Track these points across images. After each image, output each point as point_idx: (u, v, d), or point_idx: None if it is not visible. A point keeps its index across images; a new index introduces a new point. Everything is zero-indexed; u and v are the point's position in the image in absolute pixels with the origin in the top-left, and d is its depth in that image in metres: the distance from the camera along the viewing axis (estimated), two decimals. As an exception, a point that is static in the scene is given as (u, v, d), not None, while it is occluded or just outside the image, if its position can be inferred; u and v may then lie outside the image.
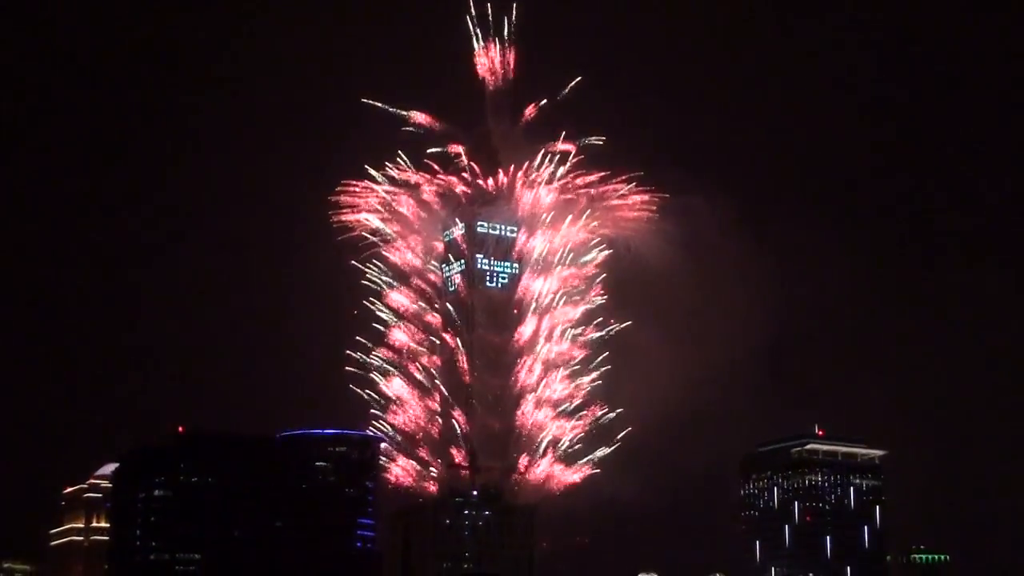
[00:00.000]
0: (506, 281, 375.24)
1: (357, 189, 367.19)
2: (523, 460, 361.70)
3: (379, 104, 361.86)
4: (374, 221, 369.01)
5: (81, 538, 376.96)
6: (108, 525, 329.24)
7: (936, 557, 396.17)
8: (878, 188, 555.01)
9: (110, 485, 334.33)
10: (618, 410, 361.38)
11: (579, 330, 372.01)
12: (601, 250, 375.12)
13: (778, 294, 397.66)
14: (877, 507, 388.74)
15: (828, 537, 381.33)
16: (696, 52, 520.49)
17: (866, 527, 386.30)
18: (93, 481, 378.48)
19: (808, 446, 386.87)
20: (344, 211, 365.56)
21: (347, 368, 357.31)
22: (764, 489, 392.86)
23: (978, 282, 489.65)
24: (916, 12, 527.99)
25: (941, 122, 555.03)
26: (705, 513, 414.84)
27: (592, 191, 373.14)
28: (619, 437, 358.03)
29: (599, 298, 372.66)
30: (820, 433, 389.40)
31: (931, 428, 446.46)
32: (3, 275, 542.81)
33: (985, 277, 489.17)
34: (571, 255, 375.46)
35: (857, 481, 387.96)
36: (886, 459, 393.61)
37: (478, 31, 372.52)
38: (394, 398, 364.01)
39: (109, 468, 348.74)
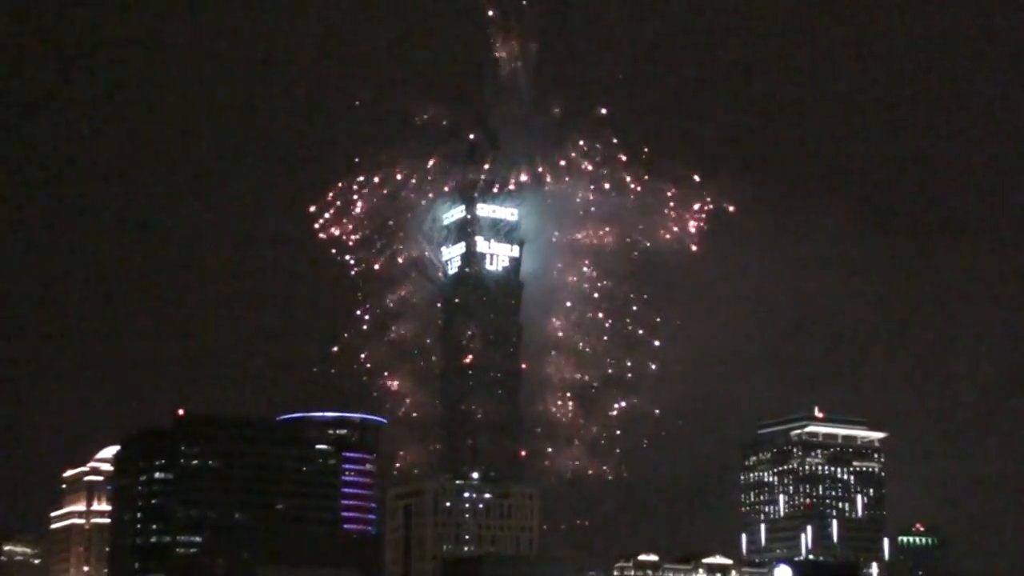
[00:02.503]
0: (507, 264, 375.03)
1: (359, 181, 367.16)
2: (536, 446, 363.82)
3: (385, 89, 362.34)
4: (373, 207, 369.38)
5: (82, 521, 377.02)
6: (109, 508, 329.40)
7: (924, 540, 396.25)
8: (887, 177, 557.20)
9: (111, 468, 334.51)
10: (636, 399, 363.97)
11: (601, 319, 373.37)
12: (635, 246, 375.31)
13: (788, 280, 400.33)
14: (877, 490, 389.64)
15: (828, 520, 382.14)
16: (715, 45, 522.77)
17: (865, 510, 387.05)
18: (94, 464, 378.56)
19: (808, 428, 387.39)
20: (343, 198, 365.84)
21: (346, 350, 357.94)
22: (764, 471, 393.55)
23: (981, 268, 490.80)
24: (932, 10, 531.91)
25: (952, 116, 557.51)
26: (706, 495, 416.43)
27: (631, 196, 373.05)
28: (645, 430, 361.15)
29: (628, 292, 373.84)
30: (820, 415, 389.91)
31: (932, 411, 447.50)
32: (5, 260, 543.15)
33: (987, 263, 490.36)
34: (599, 248, 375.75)
35: (857, 464, 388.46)
36: (886, 442, 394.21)
37: (492, 14, 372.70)
38: (394, 380, 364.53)
39: (110, 451, 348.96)
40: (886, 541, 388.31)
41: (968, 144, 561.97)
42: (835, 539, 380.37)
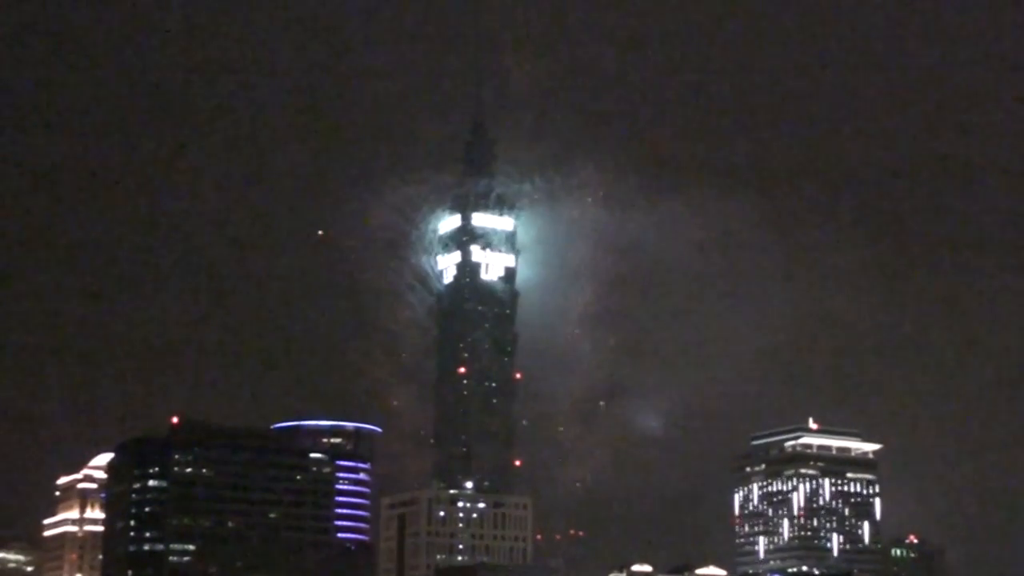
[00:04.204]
0: (502, 273, 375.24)
1: (360, 192, 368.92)
2: (531, 455, 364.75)
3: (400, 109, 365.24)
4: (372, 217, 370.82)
5: (76, 528, 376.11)
6: (102, 515, 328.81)
7: (918, 552, 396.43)
8: (887, 190, 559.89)
9: (105, 475, 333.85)
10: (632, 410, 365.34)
11: (598, 329, 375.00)
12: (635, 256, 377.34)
13: (786, 292, 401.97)
14: (871, 501, 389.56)
15: (821, 531, 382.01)
16: (721, 59, 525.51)
17: (859, 521, 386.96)
18: (88, 471, 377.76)
19: (802, 440, 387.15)
20: (346, 209, 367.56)
21: (342, 359, 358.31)
22: (758, 482, 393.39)
23: (978, 281, 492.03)
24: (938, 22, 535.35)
25: (954, 128, 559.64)
26: (700, 506, 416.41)
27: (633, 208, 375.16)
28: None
29: (627, 304, 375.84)
30: (814, 426, 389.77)
31: (926, 423, 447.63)
32: (1, 265, 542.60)
33: (982, 277, 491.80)
34: (599, 259, 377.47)
35: (851, 475, 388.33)
36: (880, 453, 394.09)
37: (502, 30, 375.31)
38: (389, 389, 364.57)
39: (104, 458, 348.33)
40: (880, 551, 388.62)
41: (971, 156, 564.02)
42: (828, 551, 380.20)
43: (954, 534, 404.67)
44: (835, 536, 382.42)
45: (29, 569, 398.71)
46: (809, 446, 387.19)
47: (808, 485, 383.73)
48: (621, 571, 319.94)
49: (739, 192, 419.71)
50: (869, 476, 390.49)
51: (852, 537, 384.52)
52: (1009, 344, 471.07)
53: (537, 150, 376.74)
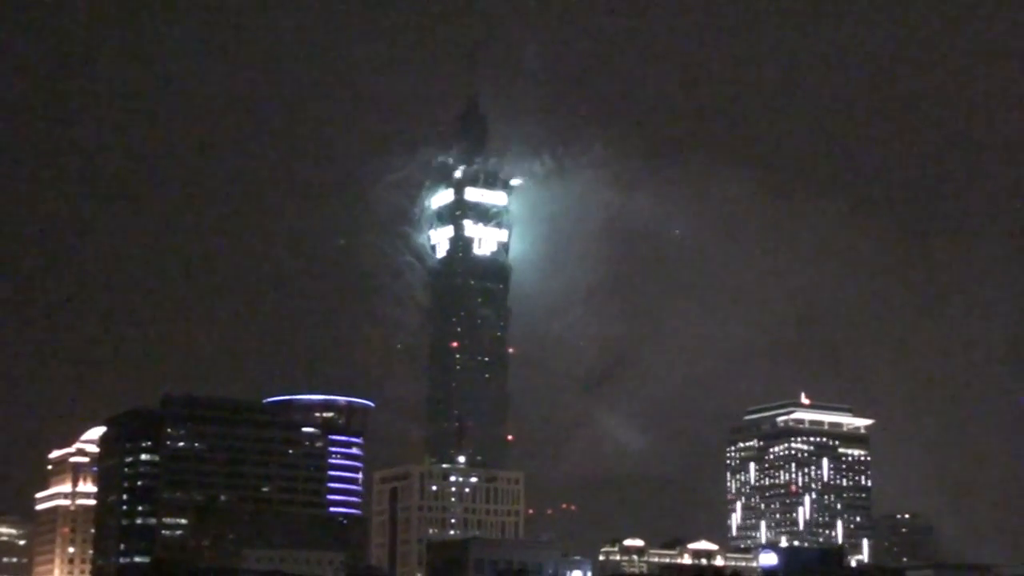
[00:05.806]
0: (495, 248, 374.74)
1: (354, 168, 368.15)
2: (523, 430, 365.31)
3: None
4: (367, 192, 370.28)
5: (68, 502, 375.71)
6: (95, 489, 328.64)
7: (909, 526, 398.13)
8: (885, 172, 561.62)
9: (97, 449, 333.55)
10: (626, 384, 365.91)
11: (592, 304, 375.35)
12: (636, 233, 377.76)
13: (784, 270, 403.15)
14: (862, 476, 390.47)
15: (814, 505, 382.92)
16: (728, 36, 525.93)
17: (851, 496, 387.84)
18: (80, 445, 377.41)
19: (794, 414, 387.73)
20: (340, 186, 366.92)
21: (336, 334, 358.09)
22: (750, 457, 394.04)
23: (971, 261, 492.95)
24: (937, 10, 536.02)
25: (952, 112, 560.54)
26: (693, 480, 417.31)
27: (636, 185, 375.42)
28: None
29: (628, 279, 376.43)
30: (807, 401, 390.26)
31: (919, 398, 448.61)
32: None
33: (977, 257, 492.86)
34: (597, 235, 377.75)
35: (843, 450, 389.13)
36: (872, 428, 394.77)
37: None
38: (381, 363, 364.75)
39: (96, 432, 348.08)
40: (872, 526, 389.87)
41: (970, 138, 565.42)
42: (821, 525, 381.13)
43: (945, 509, 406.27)
44: (826, 510, 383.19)
45: (21, 543, 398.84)
46: (801, 421, 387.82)
47: (800, 460, 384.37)
48: (613, 545, 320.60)
49: (737, 171, 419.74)
50: (861, 451, 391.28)
51: (844, 511, 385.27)
52: (1001, 322, 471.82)
53: (532, 127, 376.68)
